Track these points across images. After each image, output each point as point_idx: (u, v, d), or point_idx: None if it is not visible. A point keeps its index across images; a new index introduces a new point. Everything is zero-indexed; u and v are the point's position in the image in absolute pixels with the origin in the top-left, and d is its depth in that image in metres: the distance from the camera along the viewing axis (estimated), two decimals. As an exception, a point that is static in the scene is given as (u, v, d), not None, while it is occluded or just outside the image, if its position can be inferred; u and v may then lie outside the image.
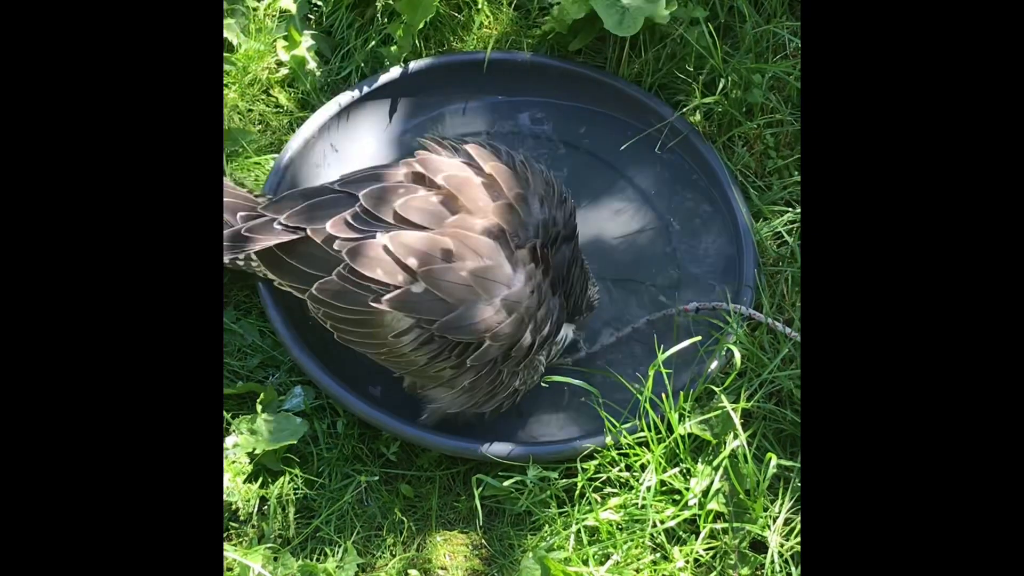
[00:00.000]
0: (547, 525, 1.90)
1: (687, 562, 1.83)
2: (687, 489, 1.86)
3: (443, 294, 1.81)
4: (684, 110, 2.26)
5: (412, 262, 1.81)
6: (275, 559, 1.85)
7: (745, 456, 1.85)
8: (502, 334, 1.83)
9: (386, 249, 1.82)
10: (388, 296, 1.81)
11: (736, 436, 1.85)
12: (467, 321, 1.81)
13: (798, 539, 1.81)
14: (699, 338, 1.95)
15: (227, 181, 2.02)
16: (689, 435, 1.89)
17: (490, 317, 1.82)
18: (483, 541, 1.95)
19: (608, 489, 1.91)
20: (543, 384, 1.95)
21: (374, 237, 1.84)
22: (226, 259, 1.94)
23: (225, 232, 1.91)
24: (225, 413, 1.98)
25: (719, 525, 1.85)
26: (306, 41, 2.36)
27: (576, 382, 1.92)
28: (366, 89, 2.27)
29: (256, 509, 1.92)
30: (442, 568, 1.92)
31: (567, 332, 2.03)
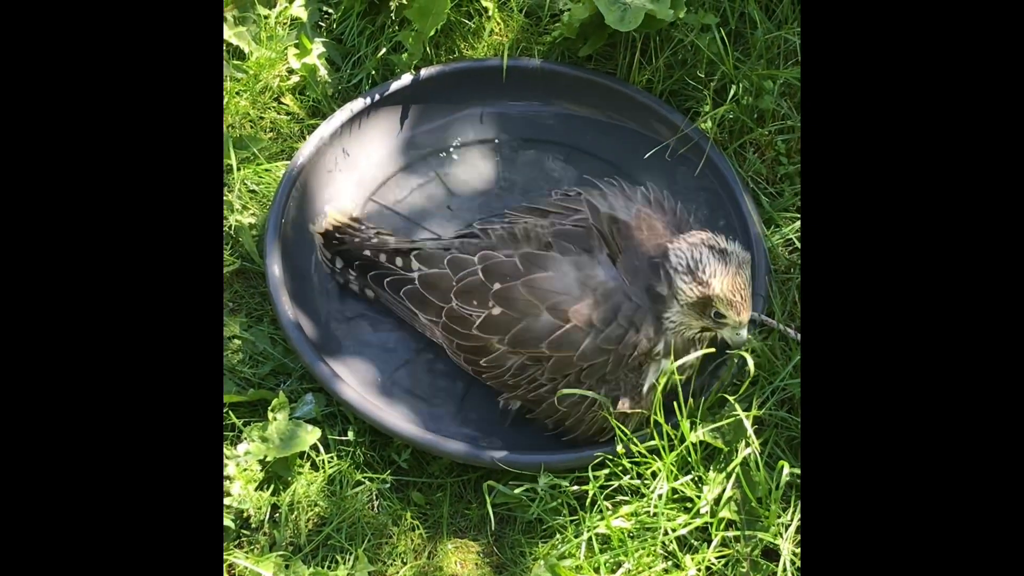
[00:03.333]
0: (558, 533, 1.90)
1: (699, 570, 1.83)
2: (699, 497, 1.86)
3: (509, 310, 1.90)
4: (697, 120, 2.26)
5: (496, 285, 1.91)
6: (287, 567, 1.85)
7: (757, 464, 1.84)
8: (564, 342, 1.87)
9: (479, 279, 1.94)
10: (477, 323, 1.93)
11: (748, 444, 1.85)
12: (527, 333, 1.89)
13: (810, 547, 1.80)
14: (712, 350, 1.93)
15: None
16: (700, 443, 1.89)
17: (546, 325, 1.87)
18: (494, 549, 1.95)
19: (619, 497, 1.90)
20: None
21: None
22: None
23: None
24: (237, 420, 1.98)
25: (731, 533, 1.85)
26: (317, 49, 2.36)
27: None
28: (377, 96, 2.27)
29: (267, 516, 1.92)
30: (453, 575, 1.93)
31: (663, 343, 1.92)
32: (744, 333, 1.90)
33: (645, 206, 1.97)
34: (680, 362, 1.87)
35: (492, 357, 1.93)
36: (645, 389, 1.91)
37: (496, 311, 1.91)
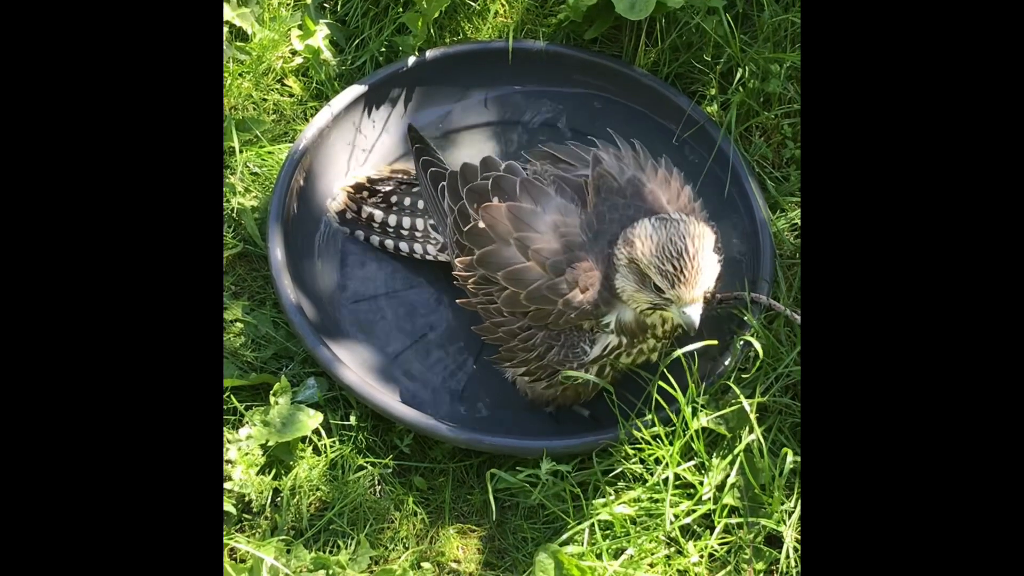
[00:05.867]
0: (560, 519, 1.89)
1: (701, 557, 1.82)
2: (701, 483, 1.85)
3: (490, 228, 1.88)
4: (703, 103, 2.24)
5: (495, 200, 1.90)
6: (288, 551, 1.84)
7: (760, 450, 1.83)
8: (518, 277, 1.85)
9: (487, 187, 1.93)
10: (467, 227, 1.91)
11: (751, 430, 1.84)
12: (493, 257, 1.87)
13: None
14: (715, 342, 1.91)
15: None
16: (704, 429, 1.88)
17: (510, 256, 1.86)
18: (496, 534, 1.94)
19: (622, 483, 1.90)
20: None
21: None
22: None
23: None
24: (238, 404, 1.97)
25: (734, 520, 1.84)
26: (321, 30, 2.35)
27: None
28: (381, 78, 2.26)
29: (269, 501, 1.91)
30: (455, 561, 1.92)
31: (614, 316, 1.86)
32: (691, 313, 1.75)
33: (652, 176, 1.90)
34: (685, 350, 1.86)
35: (466, 259, 1.91)
36: (591, 357, 1.88)
37: (480, 224, 1.89)
